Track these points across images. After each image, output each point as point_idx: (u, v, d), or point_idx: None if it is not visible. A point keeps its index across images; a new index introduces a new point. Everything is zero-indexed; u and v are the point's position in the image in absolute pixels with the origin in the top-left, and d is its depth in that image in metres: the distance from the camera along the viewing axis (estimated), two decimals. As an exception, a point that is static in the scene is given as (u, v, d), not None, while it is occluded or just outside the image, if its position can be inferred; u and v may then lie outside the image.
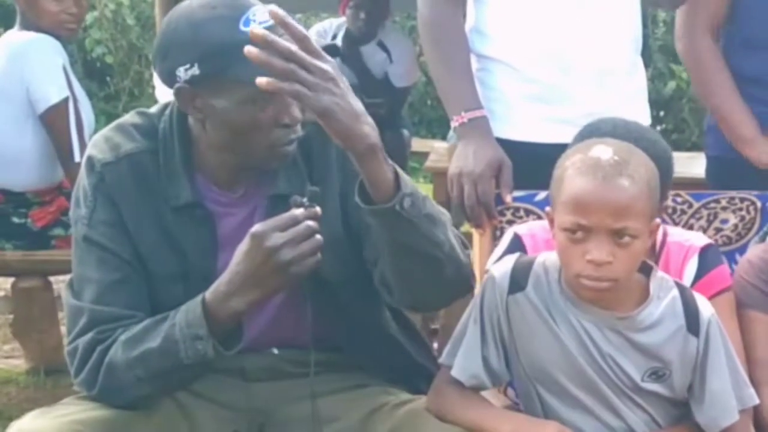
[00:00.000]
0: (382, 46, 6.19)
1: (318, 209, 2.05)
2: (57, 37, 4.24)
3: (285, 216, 2.04)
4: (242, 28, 2.07)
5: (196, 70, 2.09)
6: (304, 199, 2.05)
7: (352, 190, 2.10)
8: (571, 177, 2.01)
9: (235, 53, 2.03)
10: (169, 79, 2.15)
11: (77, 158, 4.05)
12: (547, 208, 2.10)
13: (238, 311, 2.08)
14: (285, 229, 2.02)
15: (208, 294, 2.08)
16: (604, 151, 2.02)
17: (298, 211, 2.04)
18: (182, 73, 2.11)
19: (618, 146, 2.05)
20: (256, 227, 2.03)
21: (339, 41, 6.08)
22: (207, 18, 2.09)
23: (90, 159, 2.23)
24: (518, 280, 2.12)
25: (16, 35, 4.30)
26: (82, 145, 4.07)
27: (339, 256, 2.23)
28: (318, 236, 2.04)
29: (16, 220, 4.23)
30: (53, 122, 4.12)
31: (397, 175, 2.02)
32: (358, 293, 2.26)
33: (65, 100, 4.11)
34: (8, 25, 4.69)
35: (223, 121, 2.13)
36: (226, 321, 2.08)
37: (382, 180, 2.01)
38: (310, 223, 2.03)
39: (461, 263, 2.15)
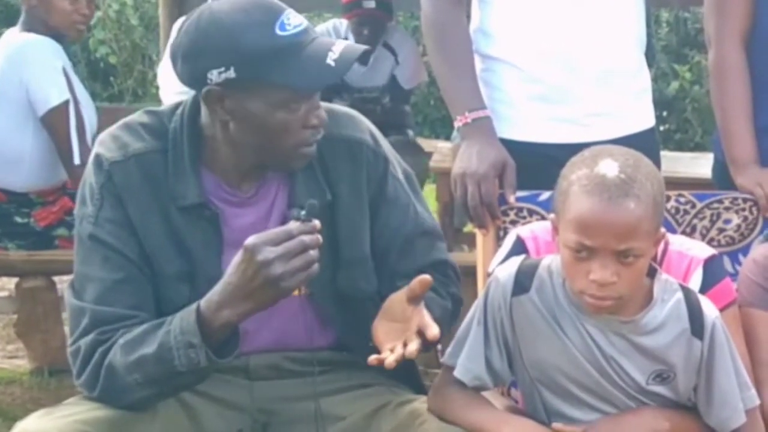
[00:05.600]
0: (388, 48, 6.21)
1: (316, 223, 2.05)
2: (59, 39, 4.24)
3: (279, 230, 2.04)
4: (278, 32, 2.10)
5: (231, 74, 2.10)
6: (302, 213, 2.04)
7: (391, 221, 2.27)
8: (576, 195, 1.99)
9: (273, 58, 2.08)
10: (196, 81, 2.15)
11: (77, 161, 4.06)
12: (551, 216, 2.10)
13: (230, 322, 2.07)
14: (278, 244, 2.01)
15: (203, 302, 2.08)
16: (610, 167, 2.00)
17: (294, 225, 2.03)
18: (215, 76, 2.11)
19: (624, 159, 2.02)
20: (250, 240, 2.03)
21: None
22: (242, 23, 2.10)
23: (98, 157, 2.23)
24: (522, 282, 2.12)
25: (15, 36, 4.30)
26: (83, 148, 4.08)
27: (363, 275, 2.28)
28: (312, 252, 2.03)
29: (18, 219, 4.24)
30: (53, 124, 4.13)
31: None
32: (378, 307, 2.25)
33: (65, 103, 4.11)
34: (10, 26, 4.68)
35: (254, 123, 2.14)
36: (219, 330, 2.08)
37: None
38: (305, 238, 2.02)
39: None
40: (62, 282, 4.37)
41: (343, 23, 6.27)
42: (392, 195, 2.32)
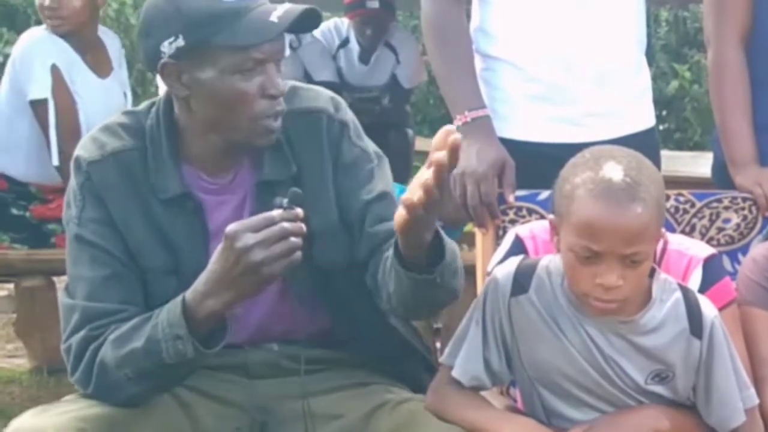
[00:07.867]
0: (390, 47, 6.21)
1: (299, 211, 2.03)
2: (70, 36, 4.35)
3: (260, 217, 2.03)
4: None
5: (180, 42, 2.11)
6: (285, 200, 2.04)
7: (347, 185, 2.22)
8: (582, 199, 1.98)
9: (220, 21, 2.08)
10: (153, 58, 2.16)
11: (55, 161, 4.15)
12: (551, 217, 2.09)
13: (215, 311, 2.07)
14: (259, 230, 2.00)
15: (188, 293, 2.08)
16: (614, 170, 1.98)
17: (276, 212, 2.02)
18: (166, 47, 2.13)
19: (627, 162, 2.01)
20: (231, 227, 2.02)
21: (353, 42, 6.12)
22: None
23: (77, 159, 2.25)
24: (521, 282, 2.11)
25: (29, 31, 4.53)
26: (63, 149, 4.15)
27: (334, 245, 2.25)
28: (293, 239, 2.01)
29: (14, 211, 4.30)
30: (37, 117, 4.26)
31: (439, 239, 2.04)
32: (354, 281, 2.25)
33: (44, 101, 4.20)
34: (9, 25, 4.81)
35: (209, 94, 2.14)
36: (205, 321, 2.07)
37: (422, 253, 2.04)
38: (286, 224, 2.01)
39: (459, 290, 2.17)
40: (61, 281, 4.37)
41: (344, 22, 6.27)
42: (350, 159, 2.27)
